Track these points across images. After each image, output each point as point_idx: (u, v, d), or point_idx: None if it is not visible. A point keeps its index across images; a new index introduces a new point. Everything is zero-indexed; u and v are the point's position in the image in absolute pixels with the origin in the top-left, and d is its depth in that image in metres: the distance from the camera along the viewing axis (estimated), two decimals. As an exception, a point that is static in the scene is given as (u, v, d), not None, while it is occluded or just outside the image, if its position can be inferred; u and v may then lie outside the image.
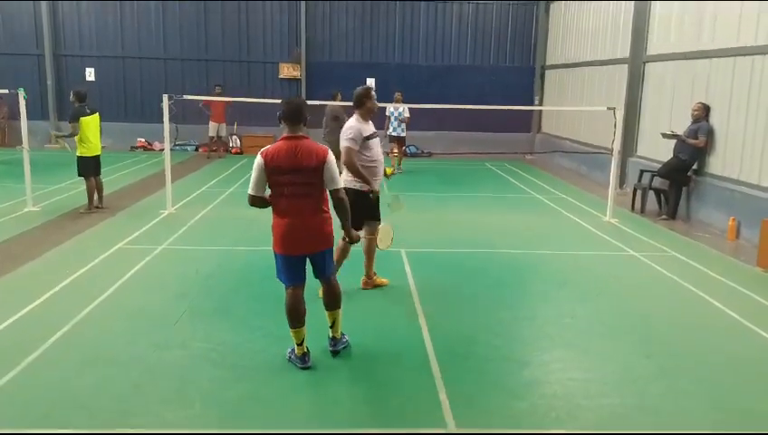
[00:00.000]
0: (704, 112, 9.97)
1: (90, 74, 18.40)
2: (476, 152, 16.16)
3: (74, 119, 9.52)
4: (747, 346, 5.30)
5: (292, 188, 4.41)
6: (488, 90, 18.19)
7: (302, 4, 18.30)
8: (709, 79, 10.16)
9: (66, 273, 6.61)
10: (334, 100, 12.26)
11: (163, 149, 10.68)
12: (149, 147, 18.21)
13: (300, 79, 18.71)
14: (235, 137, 18.31)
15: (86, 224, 8.94)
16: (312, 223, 4.52)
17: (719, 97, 9.87)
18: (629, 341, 5.33)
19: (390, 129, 14.72)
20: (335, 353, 4.87)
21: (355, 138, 5.86)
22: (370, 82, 18.71)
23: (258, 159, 4.45)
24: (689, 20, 10.87)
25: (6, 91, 10.26)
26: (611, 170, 10.20)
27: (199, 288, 6.39)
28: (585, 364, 4.89)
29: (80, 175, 9.78)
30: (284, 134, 4.50)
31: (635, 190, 11.10)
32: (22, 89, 9.91)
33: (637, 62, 12.62)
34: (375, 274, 6.48)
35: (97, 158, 9.84)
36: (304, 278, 4.67)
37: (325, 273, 4.76)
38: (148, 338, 5.11)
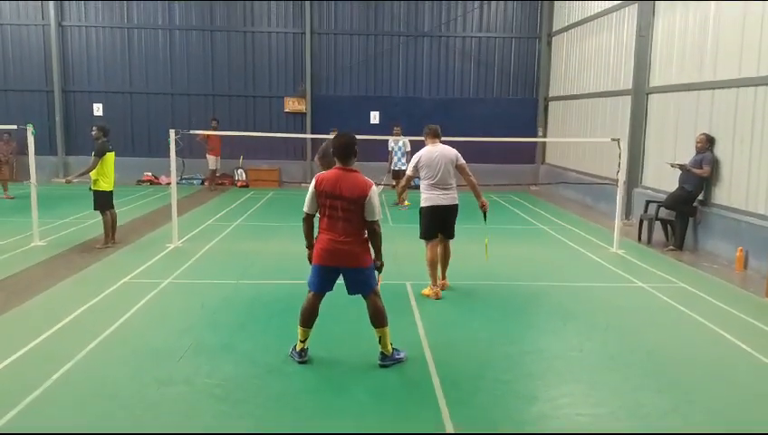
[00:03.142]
0: (707, 143, 9.99)
1: (97, 109, 18.64)
2: (481, 184, 16.17)
3: (101, 153, 9.52)
4: (761, 379, 5.21)
5: (332, 211, 5.09)
6: (492, 122, 18.31)
7: (307, 38, 18.57)
8: (712, 110, 10.20)
9: (71, 308, 6.59)
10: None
11: (169, 183, 10.74)
12: (156, 181, 18.33)
13: (305, 113, 18.89)
14: (240, 170, 18.43)
15: (92, 258, 8.95)
16: (344, 242, 5.08)
17: (723, 128, 9.90)
18: (639, 375, 5.24)
19: (393, 164, 14.70)
20: (383, 366, 5.21)
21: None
22: (374, 115, 18.91)
23: (312, 183, 5.19)
24: (691, 51, 10.97)
25: (15, 127, 10.37)
26: (617, 201, 10.20)
27: (204, 323, 6.35)
28: (594, 399, 4.81)
29: (97, 209, 9.80)
30: (337, 165, 5.16)
31: (641, 221, 11.07)
32: (30, 125, 10.02)
33: (640, 94, 12.70)
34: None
35: (112, 192, 9.89)
36: (326, 290, 5.29)
37: (355, 290, 5.25)
38: (151, 374, 5.07)
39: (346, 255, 5.10)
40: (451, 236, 7.52)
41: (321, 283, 5.25)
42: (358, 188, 5.05)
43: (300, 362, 5.25)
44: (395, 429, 4.26)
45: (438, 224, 7.35)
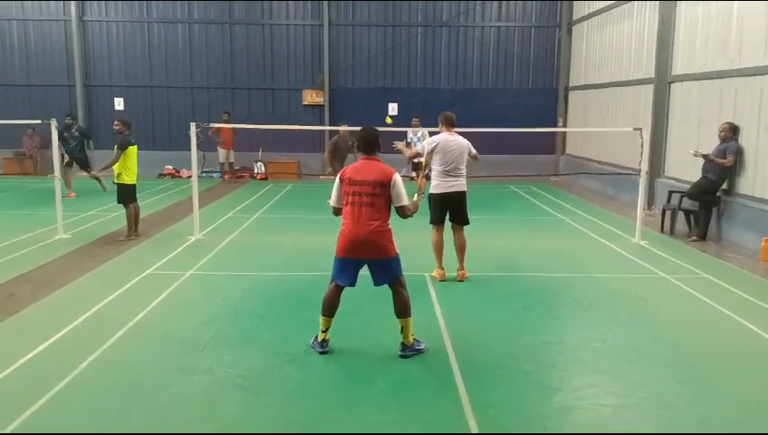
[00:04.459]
0: (731, 132, 9.83)
1: (119, 104, 18.83)
2: (501, 175, 16.10)
3: (124, 147, 9.60)
4: (786, 371, 5.14)
5: (356, 197, 5.12)
6: (511, 112, 18.19)
7: (325, 30, 18.57)
8: (736, 98, 10.04)
9: (96, 299, 6.69)
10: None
11: (190, 177, 10.82)
12: (177, 174, 18.49)
13: (323, 105, 18.91)
14: (260, 163, 18.52)
15: (116, 251, 9.07)
16: (367, 230, 5.08)
17: (747, 116, 9.73)
18: (662, 366, 5.20)
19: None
20: (403, 357, 5.24)
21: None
22: (393, 106, 18.87)
23: (337, 177, 5.31)
24: (715, 39, 10.79)
25: (39, 121, 10.50)
26: (639, 191, 10.08)
27: (226, 314, 6.41)
28: (617, 390, 4.77)
29: (120, 202, 9.90)
30: (361, 157, 5.32)
31: (663, 211, 10.94)
32: (54, 119, 10.16)
33: (662, 83, 12.53)
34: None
35: (135, 186, 9.99)
36: (348, 283, 5.27)
37: (381, 281, 5.28)
38: (175, 363, 5.13)
39: (370, 247, 5.12)
40: (465, 222, 7.66)
41: (345, 275, 5.26)
42: (383, 174, 5.13)
43: (321, 353, 5.29)
44: (416, 418, 4.28)
45: (448, 211, 7.54)
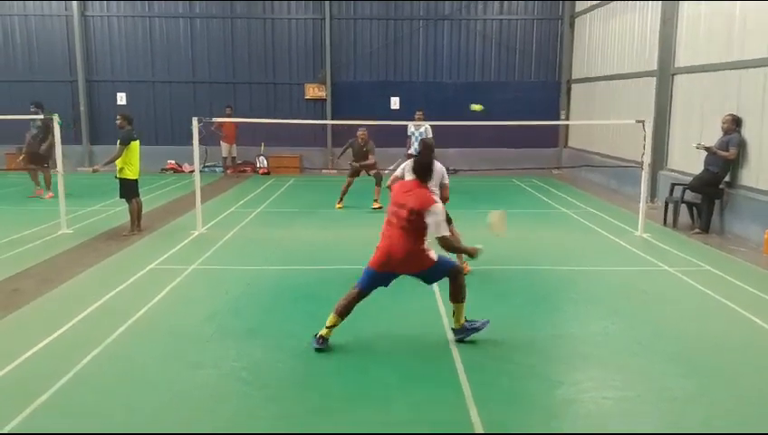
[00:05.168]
0: (734, 124, 9.80)
1: (121, 99, 18.83)
2: (504, 168, 16.09)
3: (126, 141, 9.60)
4: (789, 363, 5.14)
5: (391, 217, 5.30)
6: (514, 105, 18.14)
7: (327, 24, 18.53)
8: (740, 90, 10.00)
9: (99, 294, 6.71)
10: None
11: (193, 171, 10.83)
12: (179, 169, 18.50)
13: (325, 99, 18.89)
14: (262, 157, 18.52)
15: (118, 246, 9.08)
16: (397, 250, 5.18)
17: (750, 108, 9.70)
18: (665, 359, 5.20)
19: (412, 149, 14.46)
20: (459, 341, 5.42)
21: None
22: (395, 100, 18.84)
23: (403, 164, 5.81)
24: (718, 30, 10.74)
25: (42, 117, 10.51)
26: (642, 184, 10.06)
27: (229, 308, 6.42)
28: (619, 383, 4.78)
29: (122, 197, 9.92)
30: (414, 179, 5.44)
31: (666, 204, 10.92)
32: (56, 115, 10.17)
33: (665, 75, 12.48)
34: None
35: (137, 180, 10.00)
36: (369, 291, 5.36)
37: (431, 284, 5.60)
38: (179, 357, 5.15)
39: (400, 263, 5.20)
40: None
41: (367, 283, 5.32)
42: (421, 203, 5.11)
43: (317, 350, 5.20)
44: (419, 411, 4.29)
45: None
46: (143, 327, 5.87)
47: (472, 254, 5.41)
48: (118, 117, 9.98)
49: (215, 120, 13.83)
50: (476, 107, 13.40)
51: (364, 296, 5.35)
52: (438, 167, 6.94)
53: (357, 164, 12.39)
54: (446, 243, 5.24)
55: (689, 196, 10.50)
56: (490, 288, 7.21)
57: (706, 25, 11.14)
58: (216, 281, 7.45)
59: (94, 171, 10.45)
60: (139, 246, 9.16)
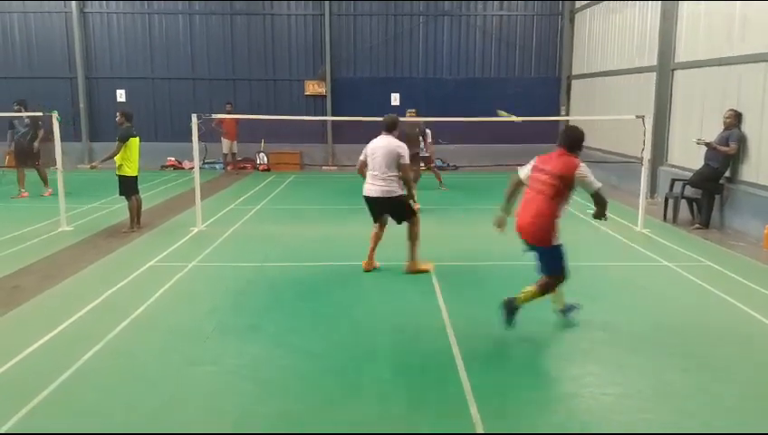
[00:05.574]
0: (735, 119, 9.79)
1: (120, 96, 18.81)
2: (503, 164, 16.05)
3: (125, 138, 9.60)
4: (789, 358, 5.14)
5: (533, 183, 5.48)
6: (514, 101, 18.05)
7: (327, 20, 18.50)
8: (740, 85, 9.98)
9: (99, 291, 6.71)
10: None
11: (193, 168, 10.83)
12: (179, 165, 18.50)
13: (325, 96, 18.87)
14: (262, 154, 18.51)
15: (118, 243, 9.09)
16: (531, 215, 5.38)
17: (751, 104, 9.68)
18: (665, 354, 5.20)
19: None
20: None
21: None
22: (395, 96, 18.82)
23: (535, 158, 5.68)
24: (718, 25, 10.72)
25: (41, 114, 10.50)
26: (642, 180, 10.05)
27: (230, 305, 6.43)
28: (619, 378, 4.78)
29: (122, 194, 9.91)
30: (560, 150, 5.53)
31: (666, 200, 10.92)
32: (55, 112, 10.16)
33: (665, 70, 12.46)
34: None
35: (137, 177, 10.00)
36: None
37: (540, 270, 5.55)
38: (180, 354, 5.16)
39: (530, 230, 5.43)
40: (400, 221, 7.48)
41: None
42: (566, 166, 5.35)
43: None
44: (418, 406, 4.29)
45: (379, 212, 7.48)
46: (143, 324, 5.87)
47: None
48: (117, 114, 9.97)
49: (214, 116, 13.81)
50: (505, 114, 13.37)
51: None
52: (391, 147, 7.21)
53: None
54: (598, 198, 5.43)
55: (689, 191, 10.50)
56: (489, 283, 7.21)
57: (706, 20, 11.12)
58: (216, 278, 7.46)
59: (92, 168, 10.47)
60: (138, 243, 9.17)
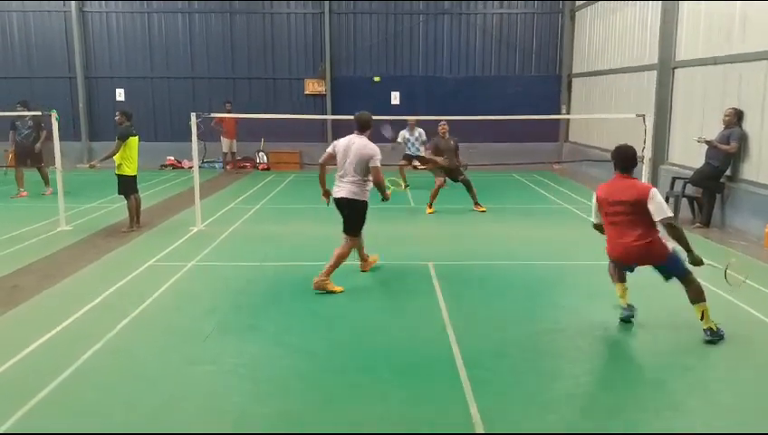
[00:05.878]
0: (735, 118, 9.77)
1: (120, 95, 18.81)
2: (504, 163, 16.05)
3: (124, 138, 9.58)
4: (790, 357, 5.12)
5: (612, 217, 5.46)
6: (514, 100, 18.09)
7: (326, 18, 18.48)
8: (741, 83, 9.96)
9: (99, 290, 6.70)
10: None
11: (192, 167, 10.82)
12: (179, 165, 18.48)
13: (325, 94, 18.85)
14: (261, 153, 18.49)
15: (117, 242, 9.07)
16: (630, 242, 5.35)
17: (752, 102, 9.66)
18: (665, 353, 5.19)
19: (407, 150, 13.95)
20: (710, 343, 5.33)
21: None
22: (395, 95, 18.81)
23: (594, 195, 5.70)
24: (718, 24, 10.70)
25: (40, 113, 10.48)
26: (642, 179, 10.01)
27: (229, 304, 6.42)
28: (619, 378, 4.77)
29: (121, 193, 9.90)
30: (617, 174, 5.54)
31: (667, 198, 10.87)
32: (54, 111, 10.14)
33: (665, 69, 12.44)
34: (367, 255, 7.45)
35: (136, 177, 9.98)
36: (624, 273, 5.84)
37: (667, 278, 5.58)
38: (179, 353, 5.15)
39: (634, 254, 5.40)
40: (346, 230, 6.97)
41: (619, 270, 5.83)
42: (637, 192, 5.31)
43: (625, 319, 5.74)
44: (418, 406, 4.28)
45: (343, 214, 7.01)
46: (143, 323, 5.86)
47: (696, 262, 5.50)
48: (117, 113, 9.96)
49: (213, 115, 13.80)
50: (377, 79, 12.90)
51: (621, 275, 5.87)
52: (361, 148, 6.72)
53: (440, 160, 11.65)
54: (670, 224, 5.28)
55: (690, 190, 10.48)
56: (489, 283, 7.20)
57: (707, 19, 11.09)
58: (215, 277, 7.44)
59: (91, 167, 10.46)
60: (138, 242, 9.15)
